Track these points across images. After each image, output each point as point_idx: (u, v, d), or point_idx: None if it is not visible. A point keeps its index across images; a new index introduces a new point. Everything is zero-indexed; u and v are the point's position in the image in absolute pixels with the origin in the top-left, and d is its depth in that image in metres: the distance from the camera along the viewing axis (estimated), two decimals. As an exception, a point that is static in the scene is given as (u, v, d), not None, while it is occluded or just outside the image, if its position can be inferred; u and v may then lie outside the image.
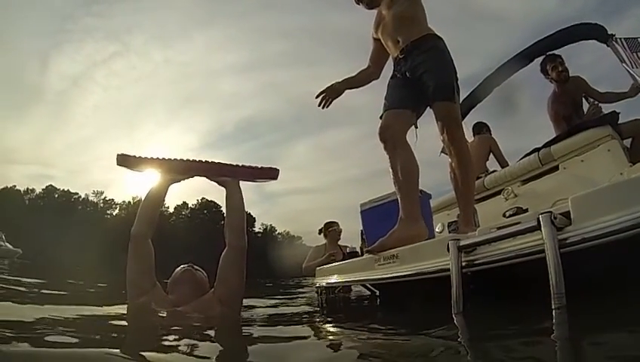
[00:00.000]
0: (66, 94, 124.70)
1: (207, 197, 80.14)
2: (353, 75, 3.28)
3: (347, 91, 3.23)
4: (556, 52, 4.35)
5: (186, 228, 71.68)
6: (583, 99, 4.28)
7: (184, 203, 79.23)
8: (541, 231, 1.42)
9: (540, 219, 1.42)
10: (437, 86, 2.65)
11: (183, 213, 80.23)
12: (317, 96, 3.16)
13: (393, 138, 2.77)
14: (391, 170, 2.76)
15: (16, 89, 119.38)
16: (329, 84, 3.18)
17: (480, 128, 5.33)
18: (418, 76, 2.74)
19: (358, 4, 3.24)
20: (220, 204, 74.93)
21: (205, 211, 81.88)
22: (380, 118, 2.88)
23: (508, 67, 4.80)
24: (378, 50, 3.22)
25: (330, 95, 3.16)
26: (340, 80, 3.22)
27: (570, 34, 4.28)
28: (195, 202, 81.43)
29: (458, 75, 2.76)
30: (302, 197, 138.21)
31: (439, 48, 2.80)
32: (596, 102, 4.08)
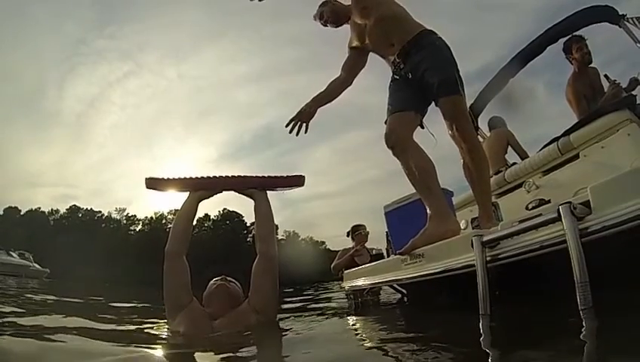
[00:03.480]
0: (85, 116, 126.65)
1: (228, 208, 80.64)
2: (323, 89, 3.15)
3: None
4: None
5: (210, 239, 71.97)
6: (604, 78, 4.24)
7: (206, 215, 79.46)
8: (562, 221, 1.42)
9: (560, 209, 1.43)
10: (440, 82, 2.61)
11: (206, 224, 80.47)
12: (287, 125, 3.01)
13: (399, 142, 2.73)
14: (406, 173, 2.73)
15: (35, 115, 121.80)
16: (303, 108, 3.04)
17: (495, 122, 5.31)
18: (420, 75, 2.70)
19: (326, 25, 3.17)
20: (241, 213, 75.42)
21: (227, 222, 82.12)
22: (385, 123, 2.84)
23: (521, 57, 4.80)
24: (355, 59, 3.18)
25: (302, 119, 3.03)
26: (309, 101, 3.08)
27: (581, 18, 4.26)
28: (217, 213, 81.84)
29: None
30: (323, 201, 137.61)
31: (436, 44, 2.76)
32: (617, 82, 4.01)
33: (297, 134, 3.02)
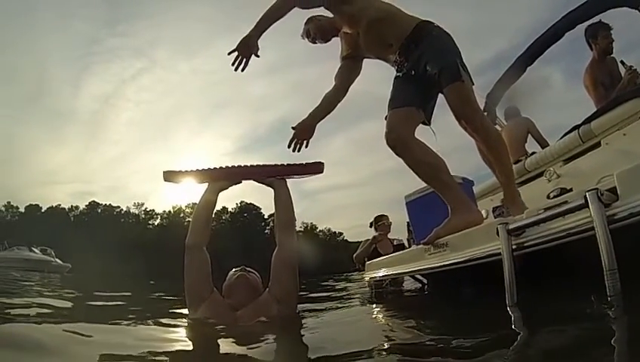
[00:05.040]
0: (100, 113, 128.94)
1: (245, 200, 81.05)
2: (318, 105, 3.11)
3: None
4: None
5: (228, 232, 72.26)
6: (620, 64, 4.18)
7: (224, 208, 79.69)
8: (589, 208, 1.41)
9: (587, 196, 1.42)
10: (441, 70, 2.53)
11: (224, 217, 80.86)
12: (289, 146, 3.05)
13: (400, 141, 2.67)
14: (414, 172, 2.68)
15: (52, 114, 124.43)
16: (295, 128, 3.06)
17: (511, 112, 5.28)
18: (422, 69, 2.62)
19: (315, 42, 3.10)
20: (259, 205, 75.71)
21: (245, 214, 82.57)
22: (385, 118, 2.77)
23: (539, 45, 4.74)
24: (349, 67, 3.11)
25: (303, 137, 3.06)
26: (306, 118, 3.08)
27: (600, 2, 4.18)
28: (235, 206, 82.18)
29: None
30: (341, 192, 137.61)
31: (433, 33, 2.68)
32: (633, 68, 3.93)
33: (299, 151, 3.06)
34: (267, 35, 2.74)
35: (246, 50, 2.71)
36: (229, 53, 2.71)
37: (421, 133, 2.80)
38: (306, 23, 3.07)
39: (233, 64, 2.71)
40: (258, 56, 2.75)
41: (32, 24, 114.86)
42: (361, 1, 2.84)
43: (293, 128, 3.04)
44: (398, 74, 2.83)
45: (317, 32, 3.05)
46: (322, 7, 2.91)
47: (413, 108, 2.74)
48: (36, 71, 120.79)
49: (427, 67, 2.58)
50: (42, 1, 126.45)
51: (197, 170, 2.61)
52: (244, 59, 2.72)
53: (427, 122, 2.84)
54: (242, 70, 2.73)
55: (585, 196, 1.44)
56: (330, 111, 3.14)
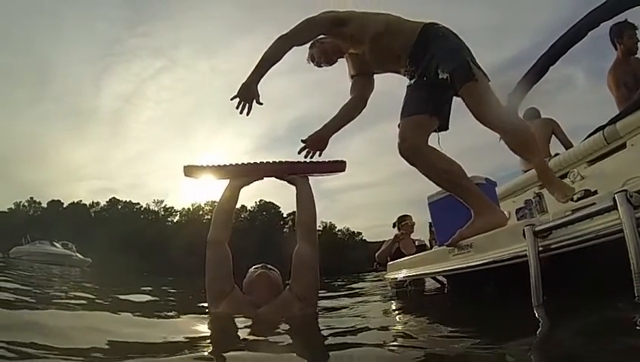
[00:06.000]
0: (121, 112, 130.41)
1: (265, 199, 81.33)
2: (334, 116, 3.04)
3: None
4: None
5: (247, 230, 72.25)
6: None
7: (243, 206, 79.59)
8: (618, 210, 1.40)
9: (616, 198, 1.41)
10: (452, 72, 2.46)
11: (243, 215, 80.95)
12: (299, 152, 2.97)
13: (412, 149, 2.63)
14: (431, 180, 2.65)
15: (74, 113, 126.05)
16: (306, 141, 2.98)
17: (530, 114, 5.23)
18: (434, 74, 2.55)
19: (320, 66, 3.02)
20: (277, 204, 75.84)
21: (264, 213, 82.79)
22: (398, 126, 2.73)
23: (562, 43, 4.66)
24: (362, 83, 3.05)
25: (315, 149, 3.00)
26: (320, 128, 3.00)
27: (624, 0, 4.12)
28: (254, 204, 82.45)
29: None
30: (361, 192, 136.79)
31: (439, 35, 2.63)
32: None
33: (312, 157, 2.99)
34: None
35: (248, 95, 2.68)
36: (232, 99, 2.69)
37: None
38: (310, 48, 3.01)
39: (237, 108, 2.69)
40: (261, 103, 2.72)
41: (56, 25, 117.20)
42: (358, 19, 2.81)
43: (303, 141, 2.99)
44: (410, 82, 2.78)
45: (321, 55, 2.97)
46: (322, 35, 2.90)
47: (426, 115, 2.69)
48: (59, 71, 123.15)
49: (438, 71, 2.53)
50: (65, 3, 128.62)
51: (218, 165, 2.60)
52: (247, 105, 2.70)
53: (444, 128, 2.80)
54: (247, 115, 2.71)
55: (614, 198, 1.42)
56: (346, 124, 3.08)
